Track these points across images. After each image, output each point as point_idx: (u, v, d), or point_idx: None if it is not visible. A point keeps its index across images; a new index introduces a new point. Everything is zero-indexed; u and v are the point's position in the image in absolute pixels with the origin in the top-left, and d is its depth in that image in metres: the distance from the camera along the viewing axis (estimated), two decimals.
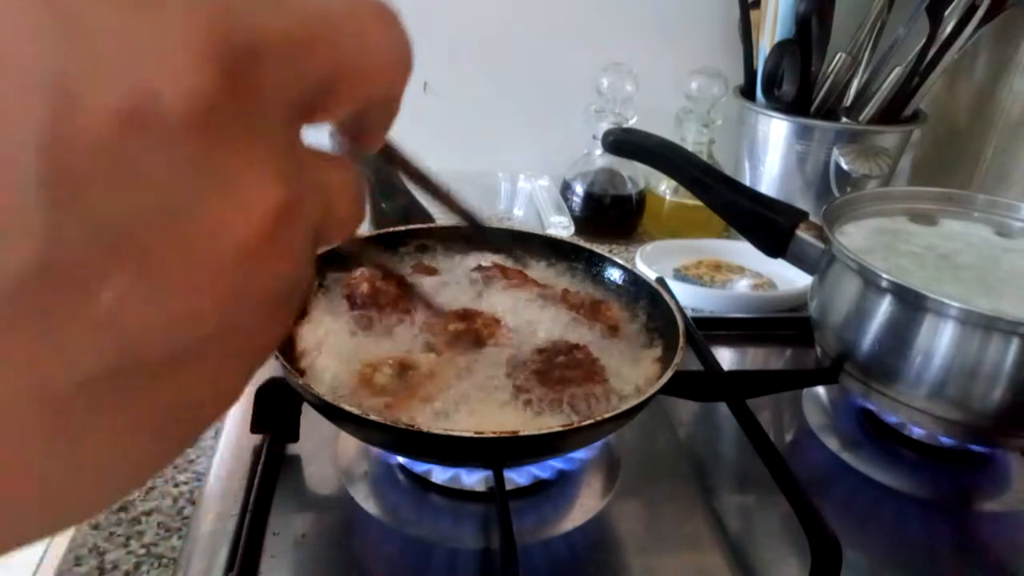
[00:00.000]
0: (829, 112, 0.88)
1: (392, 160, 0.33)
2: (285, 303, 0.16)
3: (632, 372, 0.50)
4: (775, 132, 0.89)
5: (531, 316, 0.54)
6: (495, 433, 0.40)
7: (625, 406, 0.43)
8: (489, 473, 0.48)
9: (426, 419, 0.43)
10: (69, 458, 0.14)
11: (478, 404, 0.45)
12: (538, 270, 0.60)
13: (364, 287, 0.52)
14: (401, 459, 0.51)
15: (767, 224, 0.63)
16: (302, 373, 0.46)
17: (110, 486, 0.16)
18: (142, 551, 0.46)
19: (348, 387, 0.45)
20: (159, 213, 0.13)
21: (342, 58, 0.15)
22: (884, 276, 0.53)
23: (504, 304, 0.54)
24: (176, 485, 0.51)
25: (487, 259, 0.59)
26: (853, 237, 0.62)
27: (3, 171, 0.12)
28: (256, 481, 0.48)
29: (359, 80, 0.16)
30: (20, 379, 0.13)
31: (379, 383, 0.45)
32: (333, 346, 0.49)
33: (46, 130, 0.12)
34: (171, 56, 0.13)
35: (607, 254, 0.60)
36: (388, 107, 0.18)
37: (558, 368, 0.48)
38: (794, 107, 0.87)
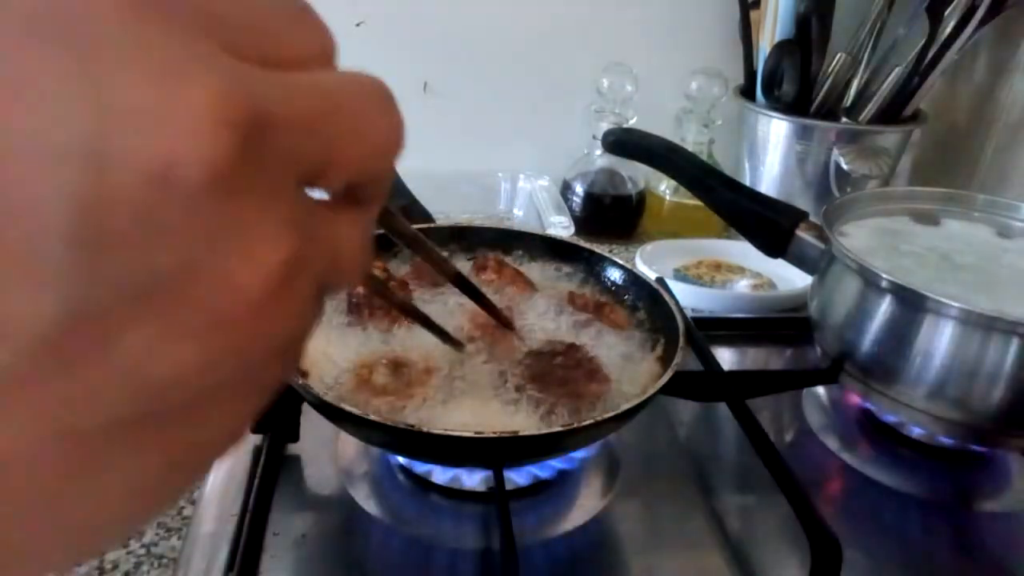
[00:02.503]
0: (829, 112, 0.88)
1: (390, 226, 0.35)
2: (291, 347, 0.18)
3: (633, 372, 0.50)
4: (775, 132, 0.89)
5: (532, 316, 0.54)
6: (495, 433, 0.40)
7: (625, 406, 0.43)
8: (489, 473, 0.48)
9: (428, 416, 0.43)
10: (89, 496, 0.15)
11: (479, 403, 0.45)
12: (538, 270, 0.60)
13: (361, 288, 0.52)
14: (401, 459, 0.51)
15: (767, 224, 0.63)
16: (304, 375, 0.46)
17: (123, 522, 0.17)
18: (142, 551, 0.46)
19: (347, 388, 0.45)
20: (179, 268, 0.14)
21: (342, 137, 0.17)
22: (884, 276, 0.53)
23: (504, 305, 0.54)
24: None
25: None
26: (853, 237, 0.62)
27: (37, 227, 0.13)
28: (256, 481, 0.48)
29: (355, 158, 0.17)
30: (45, 423, 0.14)
31: (378, 383, 0.45)
32: (331, 345, 0.49)
33: (77, 190, 0.13)
34: (192, 124, 0.14)
35: (607, 254, 0.60)
36: (381, 183, 0.20)
37: (558, 368, 0.48)
38: (794, 107, 0.87)
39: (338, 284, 0.19)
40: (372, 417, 0.40)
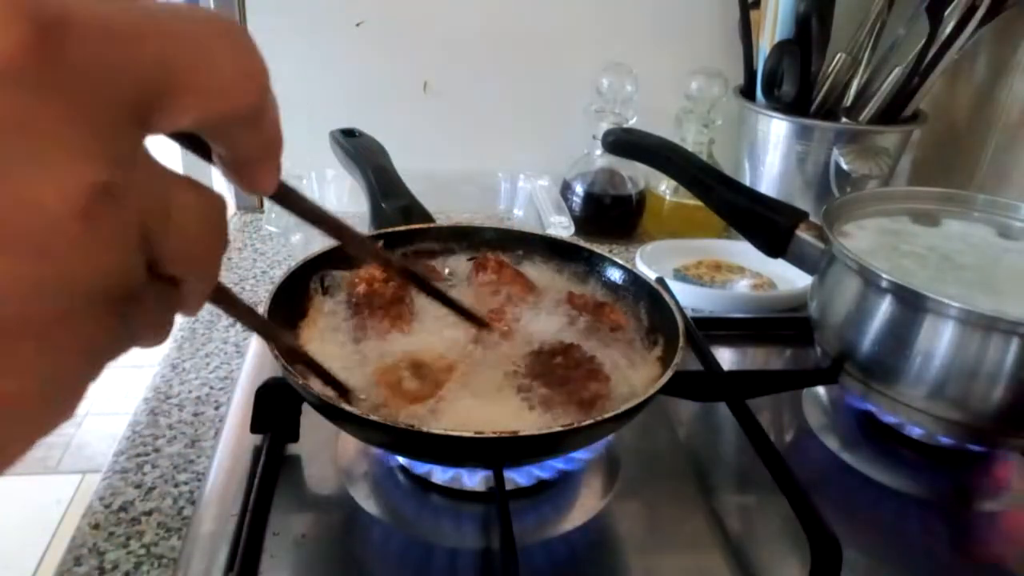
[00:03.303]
0: (829, 112, 0.88)
1: (288, 203, 0.29)
2: (113, 304, 0.16)
3: (632, 372, 0.50)
4: (775, 132, 0.89)
5: (531, 316, 0.54)
6: (495, 433, 0.40)
7: (625, 406, 0.43)
8: (489, 473, 0.48)
9: (467, 413, 0.44)
10: None
11: (488, 401, 0.45)
12: (538, 270, 0.60)
13: (362, 287, 0.53)
14: (401, 459, 0.51)
15: (767, 224, 0.63)
16: (305, 375, 0.46)
17: None
18: (142, 551, 0.46)
19: (379, 401, 0.45)
20: None
21: (175, 61, 0.15)
22: (884, 276, 0.53)
23: (504, 305, 0.54)
24: (176, 485, 0.51)
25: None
26: (853, 237, 0.62)
27: None
28: (256, 481, 0.48)
29: (198, 88, 0.16)
30: None
31: (410, 388, 0.45)
32: (330, 345, 0.49)
33: None
34: None
35: (607, 254, 0.60)
36: (254, 131, 0.18)
37: (558, 368, 0.48)
38: (794, 107, 0.87)
39: (173, 250, 0.17)
40: (372, 417, 0.40)
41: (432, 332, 0.51)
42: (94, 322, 0.16)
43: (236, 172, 0.19)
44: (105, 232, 0.15)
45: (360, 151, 0.73)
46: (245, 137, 0.18)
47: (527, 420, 0.44)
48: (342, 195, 0.89)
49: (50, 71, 0.14)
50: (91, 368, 0.16)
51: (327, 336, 0.50)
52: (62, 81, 0.14)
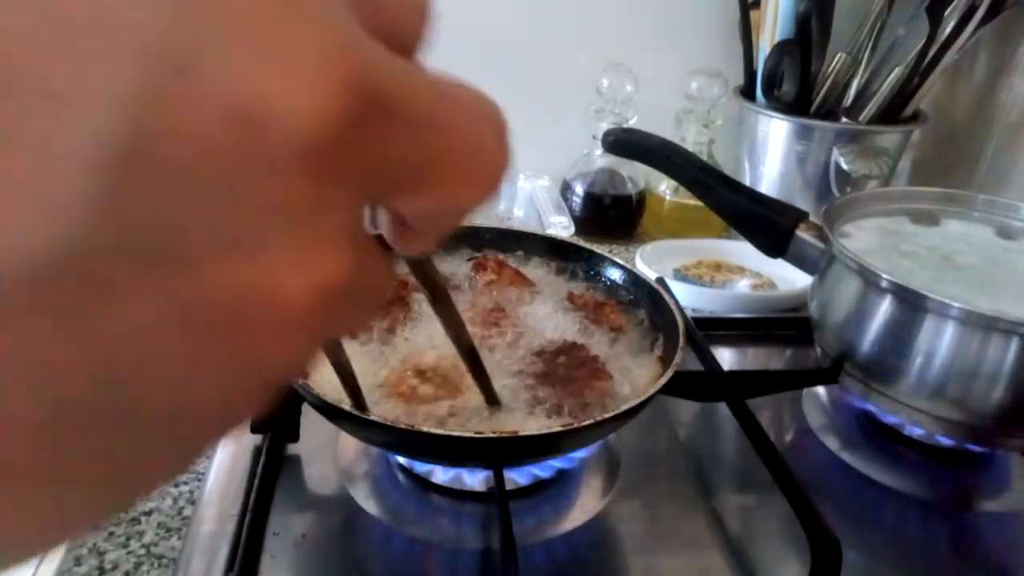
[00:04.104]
0: (829, 112, 0.88)
1: (421, 273, 0.29)
2: (275, 382, 0.15)
3: (632, 372, 0.50)
4: (775, 132, 0.89)
5: (532, 317, 0.54)
6: (495, 433, 0.40)
7: (625, 406, 0.43)
8: (489, 473, 0.48)
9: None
10: (63, 481, 0.12)
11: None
12: (538, 270, 0.60)
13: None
14: (401, 459, 0.51)
15: (767, 224, 0.63)
16: (305, 375, 0.46)
17: (103, 503, 0.14)
18: (142, 551, 0.46)
19: (400, 411, 0.44)
20: (221, 237, 0.11)
21: (452, 147, 0.14)
22: (884, 276, 0.53)
23: (504, 305, 0.54)
24: (176, 485, 0.51)
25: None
26: (853, 237, 0.62)
27: (69, 127, 0.10)
28: (256, 481, 0.48)
29: (450, 178, 0.14)
30: (21, 394, 0.11)
31: (427, 393, 0.45)
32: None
33: (138, 100, 0.10)
34: (308, 71, 0.11)
35: (607, 254, 0.60)
36: (456, 218, 0.16)
37: (561, 367, 0.48)
38: (794, 107, 0.87)
39: (357, 326, 0.16)
40: (372, 417, 0.40)
41: (435, 332, 0.51)
42: (252, 397, 0.14)
43: (396, 232, 0.17)
44: (318, 323, 0.13)
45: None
46: (446, 220, 0.16)
47: (540, 422, 0.44)
48: None
49: (343, 158, 0.12)
50: (223, 432, 0.15)
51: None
52: (350, 169, 0.12)
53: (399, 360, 0.48)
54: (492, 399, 0.45)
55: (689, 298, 0.76)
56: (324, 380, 0.46)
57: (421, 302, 0.53)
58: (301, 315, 0.12)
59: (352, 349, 0.49)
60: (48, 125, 0.10)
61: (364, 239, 0.14)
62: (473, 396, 0.45)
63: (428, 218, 0.15)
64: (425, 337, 0.50)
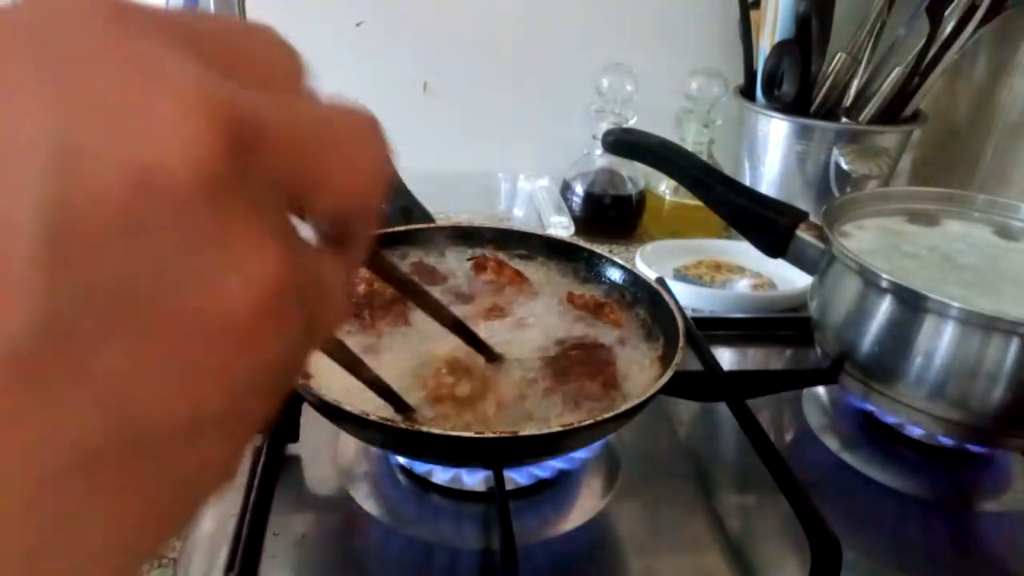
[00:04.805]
0: (829, 112, 0.88)
1: (381, 269, 0.34)
2: (277, 387, 0.16)
3: (632, 372, 0.50)
4: (775, 132, 0.89)
5: (532, 317, 0.54)
6: (495, 433, 0.40)
7: (625, 406, 0.43)
8: (489, 473, 0.48)
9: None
10: (62, 541, 0.13)
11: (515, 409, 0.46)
12: (538, 270, 0.60)
13: (362, 287, 0.52)
14: (401, 459, 0.51)
15: (767, 224, 0.63)
16: (306, 376, 0.46)
17: (100, 572, 0.15)
18: None
19: (439, 414, 0.44)
20: (161, 281, 0.13)
21: (331, 162, 0.16)
22: (884, 276, 0.53)
23: (504, 305, 0.54)
24: None
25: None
26: (854, 238, 0.62)
27: (5, 233, 0.12)
28: (256, 481, 0.48)
29: (342, 186, 0.17)
30: (12, 454, 0.12)
31: (463, 394, 0.45)
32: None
33: (52, 193, 0.12)
34: (178, 125, 0.13)
35: (607, 254, 0.60)
36: (366, 221, 0.19)
37: (575, 363, 0.48)
38: (794, 107, 0.87)
39: (325, 325, 0.18)
40: (372, 417, 0.40)
41: (438, 331, 0.51)
42: (262, 404, 0.16)
43: (336, 245, 0.20)
44: (284, 322, 0.15)
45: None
46: (359, 224, 0.19)
47: (568, 417, 0.45)
48: None
49: (240, 182, 0.14)
50: (246, 441, 0.17)
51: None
52: (249, 189, 0.14)
53: (420, 362, 0.48)
54: (491, 356, 0.47)
55: (689, 298, 0.76)
56: (324, 381, 0.46)
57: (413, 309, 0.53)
58: (259, 315, 0.14)
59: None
60: None
61: (296, 240, 0.16)
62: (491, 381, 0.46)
63: (338, 223, 0.18)
64: (430, 334, 0.50)
